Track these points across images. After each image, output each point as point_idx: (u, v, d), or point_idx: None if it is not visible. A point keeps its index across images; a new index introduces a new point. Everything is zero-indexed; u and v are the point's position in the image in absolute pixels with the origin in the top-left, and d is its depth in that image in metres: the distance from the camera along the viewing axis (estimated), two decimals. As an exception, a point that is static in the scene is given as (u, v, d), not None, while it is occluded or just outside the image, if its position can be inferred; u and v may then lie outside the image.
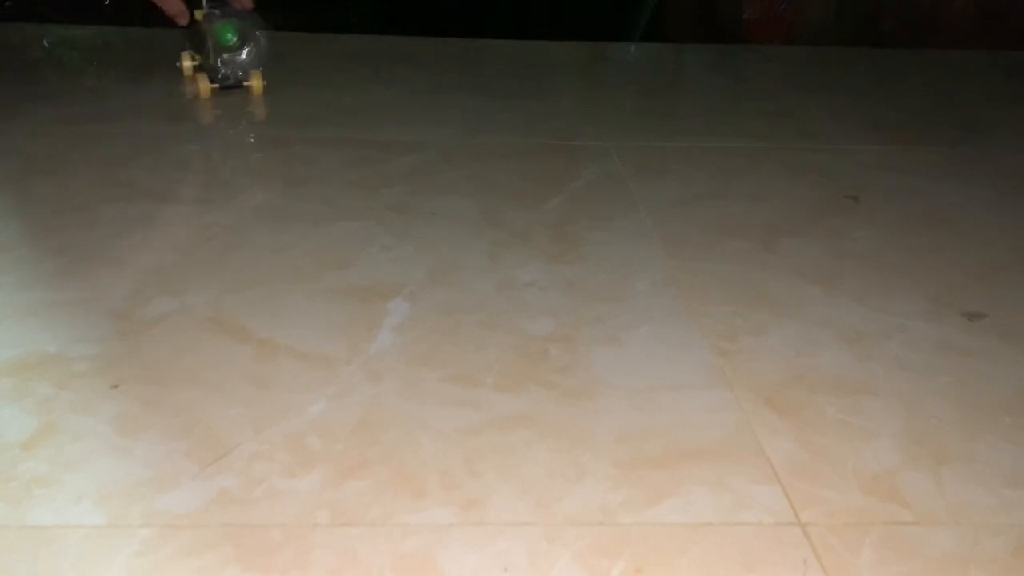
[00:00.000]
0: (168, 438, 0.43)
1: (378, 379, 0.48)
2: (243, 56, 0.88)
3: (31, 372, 0.47)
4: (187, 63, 0.93)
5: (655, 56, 1.19)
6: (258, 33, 0.89)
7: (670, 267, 0.61)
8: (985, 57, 1.17)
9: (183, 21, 0.88)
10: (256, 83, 0.90)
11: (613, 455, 0.43)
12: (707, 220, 0.68)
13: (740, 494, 0.41)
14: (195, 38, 0.91)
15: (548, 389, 0.48)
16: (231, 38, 0.86)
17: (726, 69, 1.12)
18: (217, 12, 0.88)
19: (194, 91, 0.88)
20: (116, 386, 0.46)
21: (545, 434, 0.44)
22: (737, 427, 0.46)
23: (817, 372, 0.50)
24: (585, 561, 0.37)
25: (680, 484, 0.41)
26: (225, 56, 0.87)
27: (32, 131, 0.79)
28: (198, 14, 0.87)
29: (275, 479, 0.41)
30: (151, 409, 0.45)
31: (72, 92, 0.88)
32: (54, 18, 1.07)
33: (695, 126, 0.89)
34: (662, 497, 0.41)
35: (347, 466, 0.42)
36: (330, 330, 0.52)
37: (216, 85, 0.88)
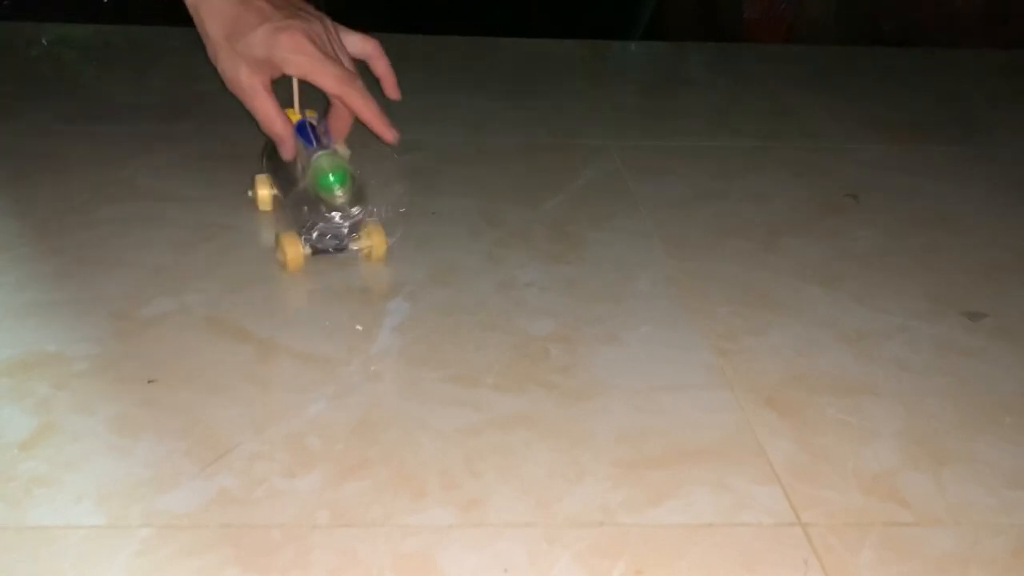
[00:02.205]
0: (168, 438, 0.43)
1: (378, 379, 0.48)
2: (354, 217, 0.56)
3: (30, 372, 0.47)
4: (263, 192, 0.64)
5: (655, 55, 1.19)
6: (399, 189, 0.61)
7: (670, 267, 0.61)
8: (986, 56, 1.17)
9: (288, 153, 0.58)
10: (375, 240, 0.58)
11: (613, 455, 0.43)
12: (707, 220, 0.68)
13: (740, 494, 0.41)
14: (279, 161, 0.60)
15: (548, 389, 0.48)
16: (338, 192, 0.55)
17: (726, 68, 1.11)
18: (324, 136, 0.58)
19: (280, 258, 0.57)
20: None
21: (545, 434, 0.44)
22: (737, 427, 0.45)
23: (817, 372, 0.50)
24: (585, 562, 0.37)
25: (680, 484, 0.41)
26: (327, 214, 0.56)
27: (31, 131, 0.79)
28: (291, 115, 0.59)
29: (275, 479, 0.41)
30: (151, 409, 0.45)
31: (71, 91, 0.88)
32: (53, 17, 1.07)
33: (696, 125, 0.89)
34: (662, 498, 0.41)
35: (347, 466, 0.42)
36: (330, 330, 0.52)
37: (308, 251, 0.57)
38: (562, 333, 0.53)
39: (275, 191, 0.63)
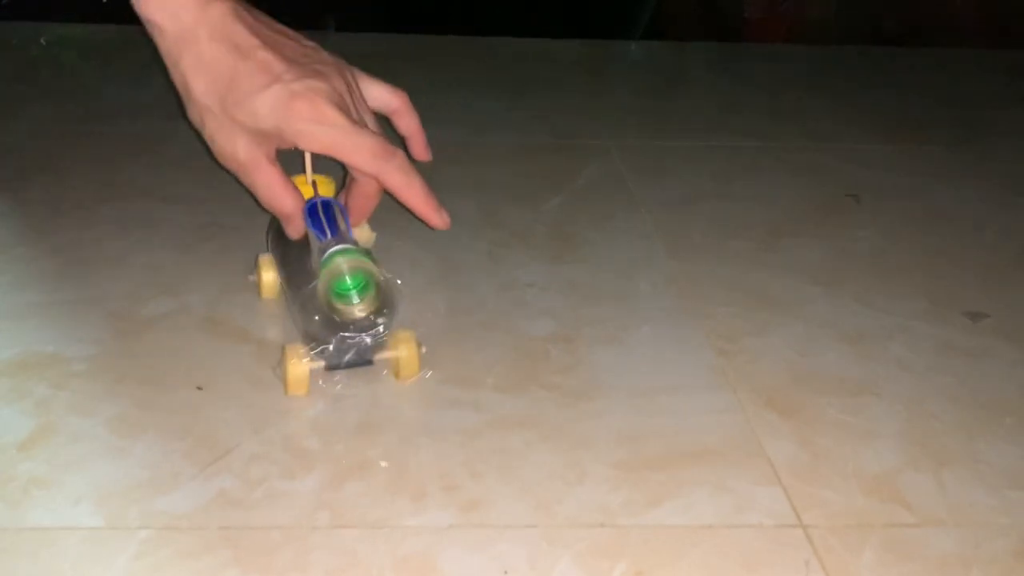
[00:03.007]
0: (167, 439, 0.43)
1: (377, 380, 0.48)
2: (377, 333, 0.46)
3: (28, 372, 0.47)
4: (268, 276, 0.52)
5: (655, 55, 1.19)
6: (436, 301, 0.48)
7: (671, 267, 0.61)
8: (987, 56, 1.17)
9: (296, 232, 0.48)
10: (405, 353, 0.47)
11: (613, 456, 0.43)
12: (708, 220, 0.68)
13: (741, 496, 0.41)
14: (289, 244, 0.50)
15: (548, 390, 0.48)
16: (357, 302, 0.45)
17: (727, 68, 1.11)
18: (342, 220, 0.47)
19: (281, 375, 0.46)
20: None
21: (545, 435, 0.44)
22: (738, 428, 0.45)
23: (818, 373, 0.50)
24: (585, 563, 0.37)
25: (681, 486, 0.41)
26: (343, 327, 0.45)
27: (29, 130, 0.78)
28: (299, 185, 0.48)
29: (274, 480, 0.40)
30: (149, 410, 0.45)
31: (70, 91, 0.88)
32: (52, 17, 1.07)
33: (696, 125, 0.89)
34: (663, 499, 0.40)
35: (347, 467, 0.41)
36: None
37: (323, 364, 0.46)
38: (562, 334, 0.53)
39: (281, 278, 0.52)
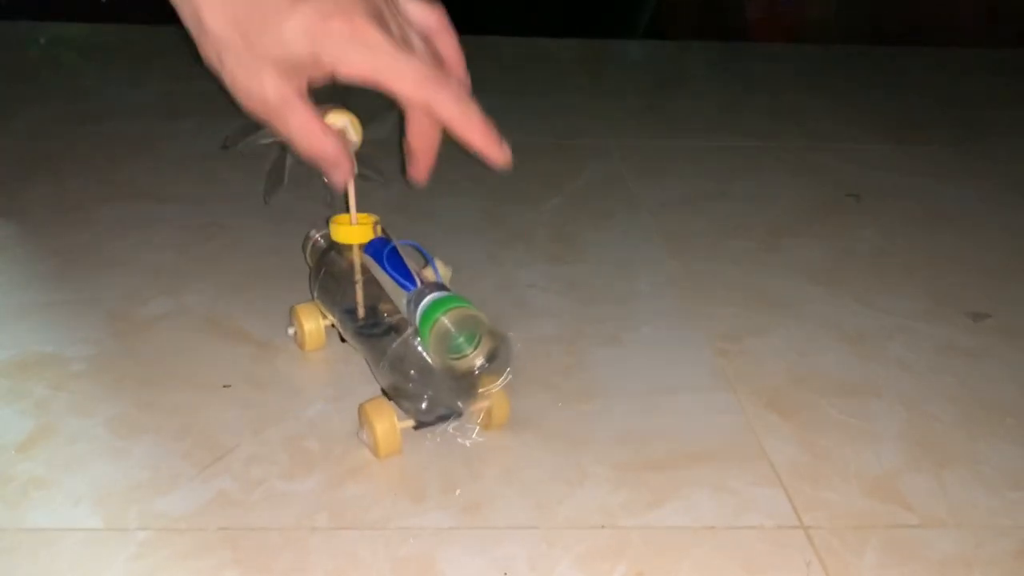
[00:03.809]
0: (166, 440, 0.43)
1: (377, 381, 0.48)
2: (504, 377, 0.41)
3: (28, 373, 0.47)
4: (312, 327, 0.49)
5: (657, 54, 1.19)
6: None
7: (671, 267, 0.61)
8: (988, 56, 1.17)
9: (343, 177, 0.42)
10: (497, 401, 0.43)
11: (614, 457, 0.43)
12: (709, 220, 0.68)
13: (742, 497, 0.41)
14: (342, 287, 0.46)
15: (548, 391, 0.47)
16: (471, 352, 0.40)
17: (728, 67, 1.11)
18: (429, 276, 0.43)
19: (368, 440, 0.42)
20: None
21: (545, 436, 0.44)
22: (739, 429, 0.45)
23: (819, 373, 0.50)
24: (586, 564, 0.37)
25: (681, 487, 0.41)
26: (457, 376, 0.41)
27: (29, 130, 0.78)
28: (362, 223, 0.45)
29: (274, 481, 0.40)
30: (148, 410, 0.45)
31: (70, 91, 0.88)
32: (51, 17, 1.07)
33: (697, 125, 0.88)
34: (663, 500, 0.40)
35: (346, 469, 0.41)
36: (329, 331, 0.52)
37: (412, 424, 0.43)
38: (563, 334, 0.52)
39: (330, 322, 0.48)
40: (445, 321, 0.39)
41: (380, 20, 0.38)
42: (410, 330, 0.41)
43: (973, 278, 0.61)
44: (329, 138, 0.40)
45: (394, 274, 0.42)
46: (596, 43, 1.17)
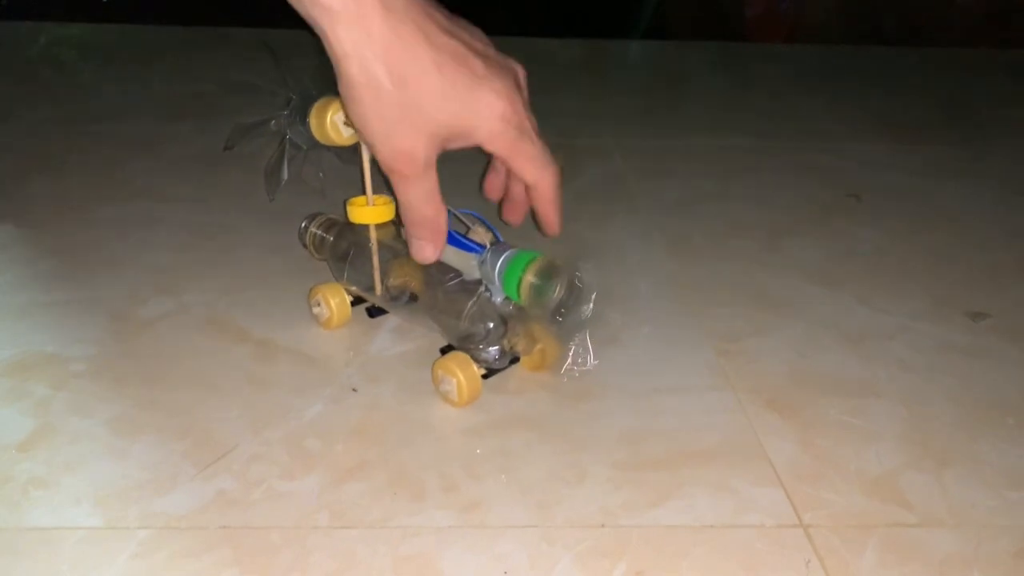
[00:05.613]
0: (166, 439, 0.43)
1: (377, 380, 0.48)
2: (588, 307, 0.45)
3: (28, 373, 0.47)
4: (338, 301, 0.51)
5: (657, 54, 1.19)
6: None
7: (671, 267, 0.61)
8: (988, 56, 1.17)
9: (437, 246, 0.44)
10: (548, 342, 0.47)
11: (614, 457, 0.43)
12: (708, 220, 0.68)
13: (742, 496, 0.41)
14: (364, 262, 0.50)
15: (548, 390, 0.47)
16: (555, 291, 0.43)
17: (728, 67, 1.11)
18: (486, 241, 0.48)
19: (450, 393, 0.46)
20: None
21: (545, 436, 0.44)
22: (739, 429, 0.45)
23: (819, 373, 0.50)
24: (586, 563, 0.37)
25: (681, 486, 0.41)
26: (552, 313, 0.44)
27: (29, 130, 0.78)
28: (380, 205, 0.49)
29: (274, 481, 0.40)
30: (149, 410, 0.45)
31: (71, 91, 0.88)
32: (52, 17, 1.07)
33: (697, 125, 0.89)
34: (663, 499, 0.40)
35: (346, 468, 0.41)
36: (329, 331, 0.52)
37: (483, 372, 0.46)
38: (562, 334, 0.52)
39: (352, 296, 0.52)
40: (519, 267, 0.43)
41: (527, 106, 0.42)
42: (483, 287, 0.45)
43: (973, 278, 0.61)
44: (443, 212, 0.42)
45: (458, 238, 0.46)
46: (596, 43, 1.17)
